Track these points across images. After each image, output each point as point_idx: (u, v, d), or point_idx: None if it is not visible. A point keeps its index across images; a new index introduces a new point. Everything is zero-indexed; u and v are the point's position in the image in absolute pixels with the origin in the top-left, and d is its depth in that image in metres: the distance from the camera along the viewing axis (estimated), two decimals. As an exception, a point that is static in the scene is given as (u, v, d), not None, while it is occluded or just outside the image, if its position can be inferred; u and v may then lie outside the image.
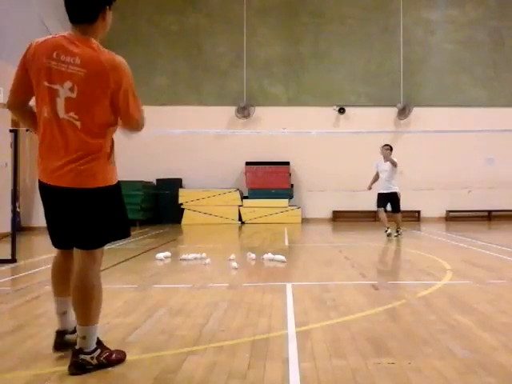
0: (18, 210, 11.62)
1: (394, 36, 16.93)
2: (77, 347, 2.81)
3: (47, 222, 2.99)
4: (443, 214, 16.91)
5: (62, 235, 2.96)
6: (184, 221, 15.41)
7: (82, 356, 2.78)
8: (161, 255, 7.35)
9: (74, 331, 2.97)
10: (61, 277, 3.03)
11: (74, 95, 2.71)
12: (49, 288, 5.06)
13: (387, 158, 11.02)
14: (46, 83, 2.72)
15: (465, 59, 17.05)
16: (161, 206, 15.90)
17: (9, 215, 6.70)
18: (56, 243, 3.03)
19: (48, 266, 6.57)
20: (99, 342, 2.91)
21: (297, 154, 16.39)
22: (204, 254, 7.26)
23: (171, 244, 9.72)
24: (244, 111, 16.49)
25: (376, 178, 11.86)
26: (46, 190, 2.87)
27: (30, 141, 12.53)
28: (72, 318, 2.99)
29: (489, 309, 4.18)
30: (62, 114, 2.72)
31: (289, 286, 5.15)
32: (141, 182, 15.05)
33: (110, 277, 6.10)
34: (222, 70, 16.78)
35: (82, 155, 2.74)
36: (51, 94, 2.72)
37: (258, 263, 6.97)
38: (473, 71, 17.02)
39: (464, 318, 3.87)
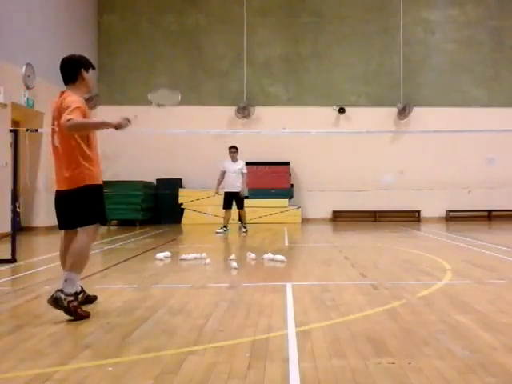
0: (18, 209, 11.58)
1: (394, 36, 16.92)
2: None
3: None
4: (443, 214, 16.90)
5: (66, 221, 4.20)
6: (184, 221, 15.41)
7: (60, 294, 3.87)
8: (161, 255, 7.35)
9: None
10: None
11: (56, 128, 4.09)
12: (49, 288, 5.07)
13: (235, 159, 11.98)
14: (51, 126, 4.21)
15: (465, 59, 17.05)
16: (161, 205, 15.89)
17: (9, 215, 6.71)
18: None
19: (48, 266, 6.60)
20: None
21: (297, 154, 16.38)
22: (204, 254, 7.25)
23: (171, 244, 9.71)
24: (244, 111, 16.48)
25: (222, 179, 12.01)
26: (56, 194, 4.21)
27: (29, 141, 12.50)
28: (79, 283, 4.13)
29: (489, 309, 4.18)
30: (56, 143, 4.10)
31: (289, 286, 5.15)
32: (141, 182, 15.03)
33: (110, 277, 6.11)
34: (222, 70, 16.78)
35: (70, 167, 4.04)
36: (52, 131, 4.17)
37: (258, 263, 6.97)
38: (473, 71, 17.01)
39: (464, 317, 3.87)
